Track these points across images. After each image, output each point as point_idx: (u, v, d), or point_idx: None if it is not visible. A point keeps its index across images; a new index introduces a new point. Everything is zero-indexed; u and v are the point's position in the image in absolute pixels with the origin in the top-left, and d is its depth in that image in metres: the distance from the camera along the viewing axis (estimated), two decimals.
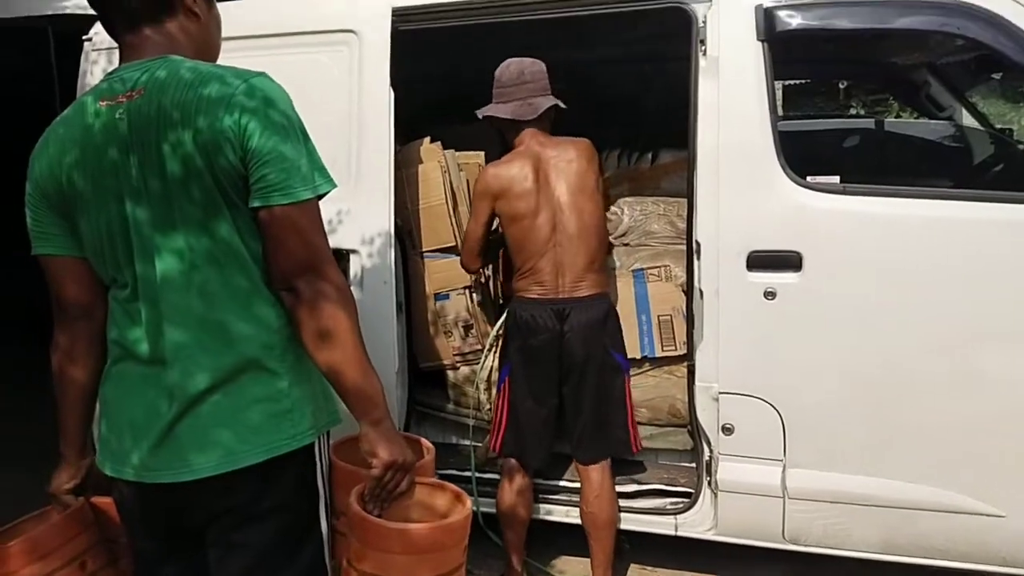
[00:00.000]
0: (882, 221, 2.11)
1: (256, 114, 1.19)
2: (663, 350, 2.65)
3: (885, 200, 2.12)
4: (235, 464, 1.25)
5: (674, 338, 2.64)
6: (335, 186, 1.29)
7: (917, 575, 2.26)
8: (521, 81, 2.41)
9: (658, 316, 2.67)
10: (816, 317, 2.15)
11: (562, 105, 2.43)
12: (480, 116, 2.48)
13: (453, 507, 1.41)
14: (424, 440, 1.63)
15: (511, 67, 2.44)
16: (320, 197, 1.26)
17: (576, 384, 2.38)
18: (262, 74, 1.25)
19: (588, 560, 2.50)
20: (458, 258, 2.79)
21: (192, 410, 1.25)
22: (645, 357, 2.66)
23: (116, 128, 1.23)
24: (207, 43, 1.38)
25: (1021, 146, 3.36)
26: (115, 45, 1.33)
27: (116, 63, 1.31)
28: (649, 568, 2.69)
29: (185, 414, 1.25)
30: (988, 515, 2.07)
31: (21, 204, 1.35)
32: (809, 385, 2.18)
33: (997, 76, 2.89)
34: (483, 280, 2.87)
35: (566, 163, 2.38)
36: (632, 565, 2.70)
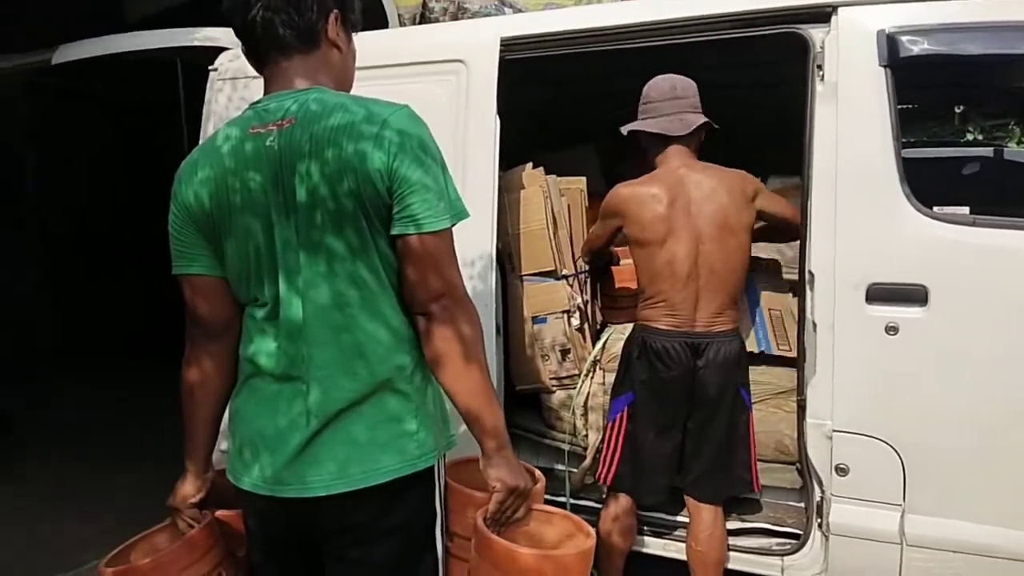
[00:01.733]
0: (1014, 255, 1.98)
1: (402, 146, 1.25)
2: (778, 348, 2.55)
3: (1018, 233, 1.99)
4: (365, 482, 1.29)
5: (787, 338, 2.54)
6: (469, 215, 1.33)
7: None
8: (673, 96, 2.34)
9: (769, 310, 2.57)
10: (943, 355, 2.03)
11: (715, 125, 2.35)
12: (625, 132, 2.42)
13: (568, 535, 1.41)
14: (535, 469, 1.62)
15: (662, 82, 2.37)
16: (455, 224, 1.30)
17: (704, 421, 2.31)
18: (406, 107, 1.31)
19: None
20: (557, 282, 2.81)
21: (328, 428, 1.29)
22: (762, 352, 2.57)
23: (267, 154, 1.30)
24: (346, 73, 1.45)
25: None
26: (238, 75, 1.40)
27: (240, 91, 1.39)
28: None
29: (321, 432, 1.29)
30: None
31: (154, 224, 1.43)
32: (933, 427, 2.05)
33: None
34: (582, 304, 2.86)
35: (711, 190, 2.29)
36: None
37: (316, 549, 1.38)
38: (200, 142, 2.90)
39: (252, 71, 1.42)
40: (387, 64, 2.63)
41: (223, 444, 1.50)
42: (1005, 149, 3.76)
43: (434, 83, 2.60)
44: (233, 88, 2.88)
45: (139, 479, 3.31)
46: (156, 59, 3.74)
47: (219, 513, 1.56)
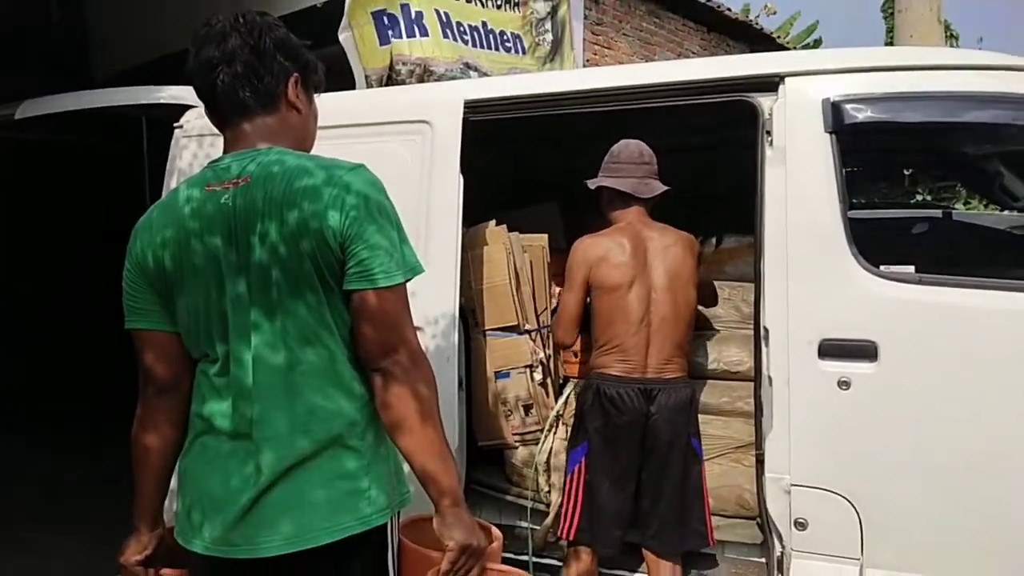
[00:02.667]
0: (960, 312, 2.06)
1: (357, 206, 1.27)
2: None
3: (962, 291, 2.08)
4: (315, 542, 1.27)
5: None
6: (423, 270, 1.35)
7: None
8: (641, 161, 2.51)
9: None
10: (894, 409, 2.08)
11: (670, 192, 2.50)
12: (592, 186, 2.55)
13: None
14: (492, 527, 1.61)
15: (631, 146, 2.54)
16: (409, 280, 1.32)
17: (658, 470, 2.34)
18: (361, 166, 1.34)
19: None
20: (519, 337, 2.83)
21: (277, 485, 1.28)
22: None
23: (221, 212, 1.32)
24: (306, 134, 1.48)
25: None
26: (203, 132, 1.43)
27: (205, 148, 1.42)
28: None
29: (270, 489, 1.28)
30: None
31: (109, 281, 1.43)
32: (888, 480, 2.09)
33: None
34: (544, 360, 2.88)
35: (664, 248, 2.44)
36: None
37: None
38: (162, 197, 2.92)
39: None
40: (354, 123, 2.68)
41: (175, 504, 1.47)
42: (951, 211, 3.95)
43: (400, 143, 2.66)
44: (199, 145, 2.90)
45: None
46: (123, 114, 3.76)
47: (166, 572, 1.52)
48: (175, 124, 2.98)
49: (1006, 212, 2.96)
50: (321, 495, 1.29)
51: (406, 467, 1.37)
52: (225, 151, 1.40)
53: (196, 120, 2.86)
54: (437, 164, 2.61)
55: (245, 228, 1.30)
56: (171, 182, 2.86)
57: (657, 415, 2.32)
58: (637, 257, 2.41)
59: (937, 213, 3.41)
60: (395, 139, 2.66)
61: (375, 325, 1.29)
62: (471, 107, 2.61)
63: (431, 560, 1.38)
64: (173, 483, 1.47)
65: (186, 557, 1.43)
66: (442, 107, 2.64)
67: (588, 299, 2.55)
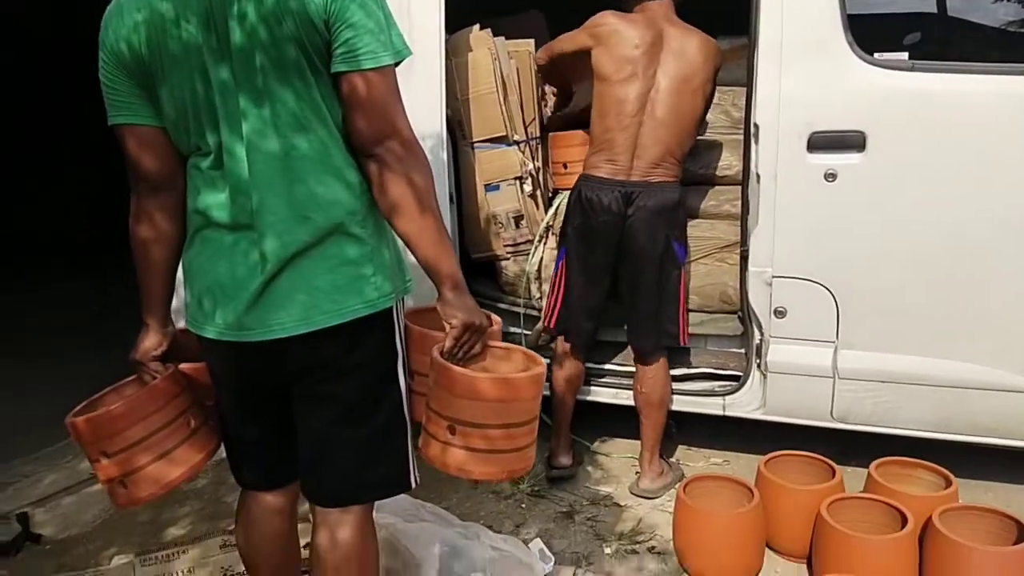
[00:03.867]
0: (951, 98, 2.05)
1: None
2: None
3: (955, 76, 2.06)
4: (324, 323, 1.31)
5: None
6: (411, 53, 1.31)
7: (957, 451, 2.30)
8: None
9: None
10: (877, 199, 2.13)
11: None
12: None
13: (526, 365, 1.48)
14: (491, 313, 1.67)
15: None
16: (398, 63, 1.28)
17: (633, 272, 2.40)
18: None
19: (633, 442, 2.61)
20: (508, 148, 2.81)
21: (283, 273, 1.30)
22: None
23: None
24: None
25: None
26: None
27: None
28: (695, 448, 2.79)
29: (276, 277, 1.31)
30: None
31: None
32: (866, 268, 2.18)
33: None
34: (535, 171, 2.88)
35: (682, 49, 2.33)
36: (679, 446, 2.80)
37: (284, 390, 1.43)
38: None
39: None
40: None
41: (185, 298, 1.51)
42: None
43: None
44: None
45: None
46: None
47: (183, 366, 1.58)
48: None
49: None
50: (327, 280, 1.32)
51: (408, 257, 1.40)
52: None
53: None
54: None
55: (222, 9, 1.23)
56: None
57: (634, 216, 2.33)
58: (649, 51, 2.31)
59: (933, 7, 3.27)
60: None
61: (364, 110, 1.26)
62: None
63: (435, 339, 1.44)
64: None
65: (198, 353, 1.50)
66: None
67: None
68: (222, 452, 1.60)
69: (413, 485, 1.48)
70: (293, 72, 1.24)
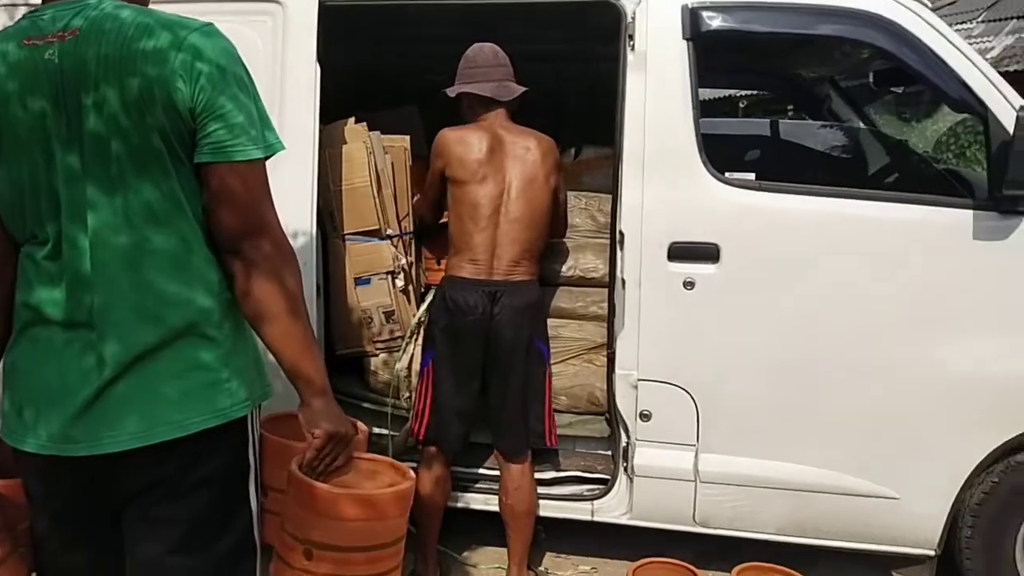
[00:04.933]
0: (794, 216, 2.22)
1: (207, 67, 1.14)
2: None
3: (796, 197, 2.23)
4: (166, 435, 1.17)
5: None
6: (284, 148, 1.25)
7: (824, 555, 2.37)
8: (497, 64, 2.46)
9: None
10: (731, 307, 2.24)
11: (527, 94, 2.48)
12: (452, 94, 2.49)
13: (392, 479, 1.39)
14: (358, 421, 1.58)
15: (485, 49, 2.48)
16: (268, 157, 1.21)
17: (501, 371, 2.37)
18: (210, 25, 1.19)
19: (503, 549, 2.51)
20: (381, 242, 2.76)
21: (123, 377, 1.17)
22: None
23: (45, 70, 1.14)
24: None
25: (915, 154, 3.63)
26: (18, 0, 1.22)
27: (17, 19, 1.21)
28: (564, 555, 2.72)
29: (115, 381, 1.16)
30: (884, 497, 2.21)
31: None
32: (723, 373, 2.26)
33: (898, 90, 3.10)
34: (407, 266, 2.83)
35: (523, 150, 2.42)
36: (548, 553, 2.72)
37: (114, 512, 1.25)
38: None
39: None
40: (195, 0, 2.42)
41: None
42: (791, 121, 4.17)
43: (246, 24, 2.43)
44: (10, 17, 2.53)
45: None
46: None
47: None
48: None
49: (845, 126, 3.20)
50: (174, 387, 1.18)
51: (268, 358, 1.30)
52: (45, 1, 1.21)
53: None
54: (291, 51, 2.44)
55: (75, 91, 1.13)
56: None
57: (500, 315, 2.34)
58: (493, 155, 2.40)
59: (787, 126, 3.62)
60: (244, 20, 2.43)
61: (232, 205, 1.17)
62: None
63: (295, 452, 1.33)
64: None
65: (14, 464, 1.30)
66: None
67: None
68: None
69: None
70: (152, 161, 1.15)
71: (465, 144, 2.41)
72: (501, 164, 2.40)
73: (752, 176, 2.26)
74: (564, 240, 2.88)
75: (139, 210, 1.16)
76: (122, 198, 1.15)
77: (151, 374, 1.18)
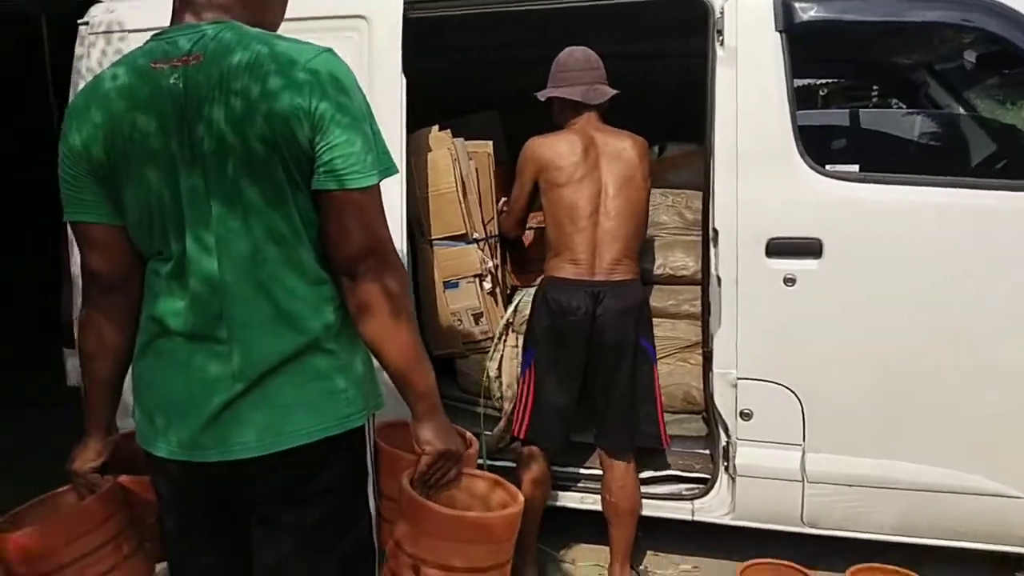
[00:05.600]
0: (900, 208, 2.14)
1: (327, 94, 1.16)
2: None
3: (903, 188, 2.16)
4: (292, 443, 1.22)
5: None
6: (398, 170, 1.28)
7: (929, 556, 2.30)
8: (588, 67, 2.45)
9: None
10: (836, 303, 2.18)
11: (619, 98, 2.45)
12: (542, 98, 2.49)
13: (502, 498, 1.40)
14: (468, 433, 1.61)
15: (576, 53, 2.47)
16: (382, 180, 1.24)
17: (606, 372, 2.36)
18: (330, 51, 1.22)
19: (600, 547, 2.52)
20: (468, 246, 2.79)
21: (253, 390, 1.22)
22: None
23: (170, 93, 1.18)
24: (266, 7, 1.33)
25: None
26: (112, 28, 1.27)
27: (115, 45, 1.26)
28: (664, 554, 2.71)
29: (245, 394, 1.22)
30: (1006, 496, 2.12)
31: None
32: (829, 371, 2.21)
33: (1003, 73, 2.95)
34: (494, 269, 2.86)
35: (618, 151, 2.40)
36: (647, 552, 2.71)
37: (239, 516, 1.31)
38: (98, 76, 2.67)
39: (129, 23, 1.29)
40: (286, 18, 2.49)
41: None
42: (895, 111, 4.00)
43: (334, 40, 2.47)
44: (107, 42, 2.64)
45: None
46: (17, 14, 3.39)
47: (125, 478, 1.45)
48: (80, 20, 2.71)
49: (948, 113, 3.06)
50: (298, 397, 1.23)
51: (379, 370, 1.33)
52: (172, 23, 1.25)
53: (105, 15, 2.60)
54: (377, 63, 2.48)
55: (197, 114, 1.18)
56: (80, 84, 2.62)
57: (603, 316, 2.33)
58: (588, 157, 2.39)
59: (887, 114, 3.49)
60: (331, 36, 2.48)
61: (348, 230, 1.20)
62: (410, 1, 2.46)
63: (406, 462, 1.35)
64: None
65: (143, 463, 1.37)
66: (379, 1, 2.48)
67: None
68: None
69: None
70: (269, 183, 1.19)
71: (558, 149, 2.41)
72: (596, 164, 2.39)
73: (855, 168, 2.19)
74: (653, 238, 2.85)
75: (258, 229, 1.20)
76: (242, 217, 1.19)
77: (277, 385, 1.23)
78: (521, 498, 1.38)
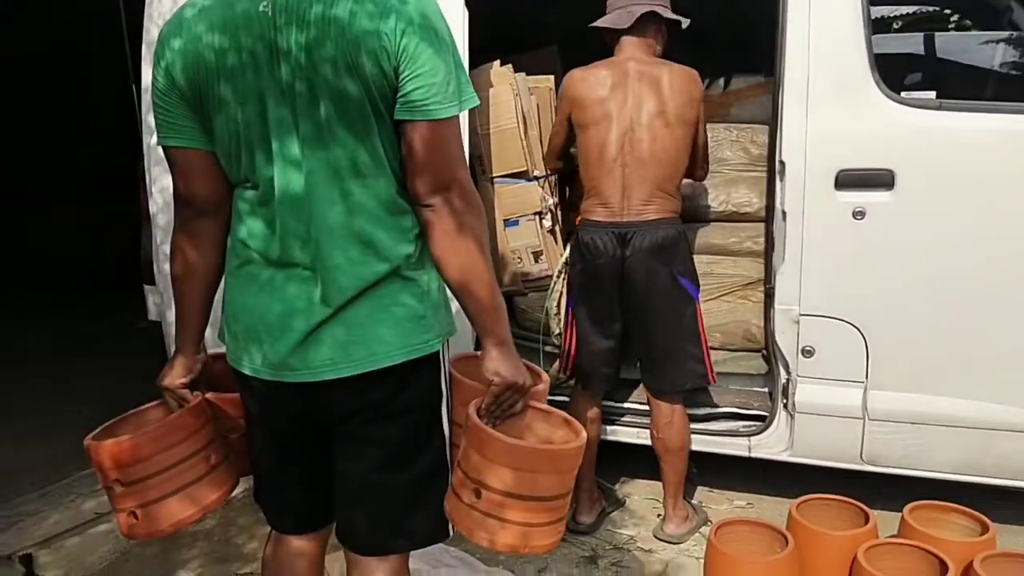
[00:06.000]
0: (979, 138, 2.05)
1: (412, 24, 1.16)
2: None
3: (983, 116, 2.06)
4: (375, 364, 1.27)
5: None
6: (478, 102, 1.28)
7: (988, 496, 2.26)
8: None
9: None
10: (907, 237, 2.11)
11: (672, 16, 2.32)
12: (589, 29, 2.41)
13: (565, 434, 1.41)
14: (540, 370, 1.58)
15: None
16: (462, 111, 1.24)
17: (640, 312, 2.35)
18: None
19: (653, 483, 2.56)
20: (528, 184, 2.80)
21: (338, 315, 1.26)
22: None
23: (259, 21, 1.20)
24: None
25: None
26: None
27: None
28: (718, 491, 2.73)
29: (331, 319, 1.26)
30: None
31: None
32: (896, 307, 2.15)
33: None
34: (553, 206, 2.86)
35: (654, 82, 2.29)
36: (701, 488, 2.74)
37: (324, 432, 1.38)
38: (143, 48, 2.75)
39: None
40: None
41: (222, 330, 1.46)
42: (979, 35, 3.75)
43: None
44: None
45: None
46: None
47: (212, 395, 1.53)
48: None
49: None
50: (380, 320, 1.27)
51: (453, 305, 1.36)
52: None
53: None
54: None
55: (286, 43, 1.19)
56: (152, 29, 2.70)
57: (632, 258, 2.29)
58: (617, 92, 2.30)
59: (966, 38, 3.27)
60: None
61: (427, 160, 1.22)
62: None
63: (475, 392, 1.38)
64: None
65: (231, 382, 1.45)
66: None
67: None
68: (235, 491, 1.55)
69: (451, 534, 1.43)
70: (355, 113, 1.20)
71: (588, 84, 2.34)
72: (624, 101, 2.30)
73: (932, 95, 2.09)
74: (715, 174, 2.80)
75: (345, 160, 1.22)
76: (327, 147, 1.22)
77: (361, 311, 1.27)
78: (584, 434, 1.39)
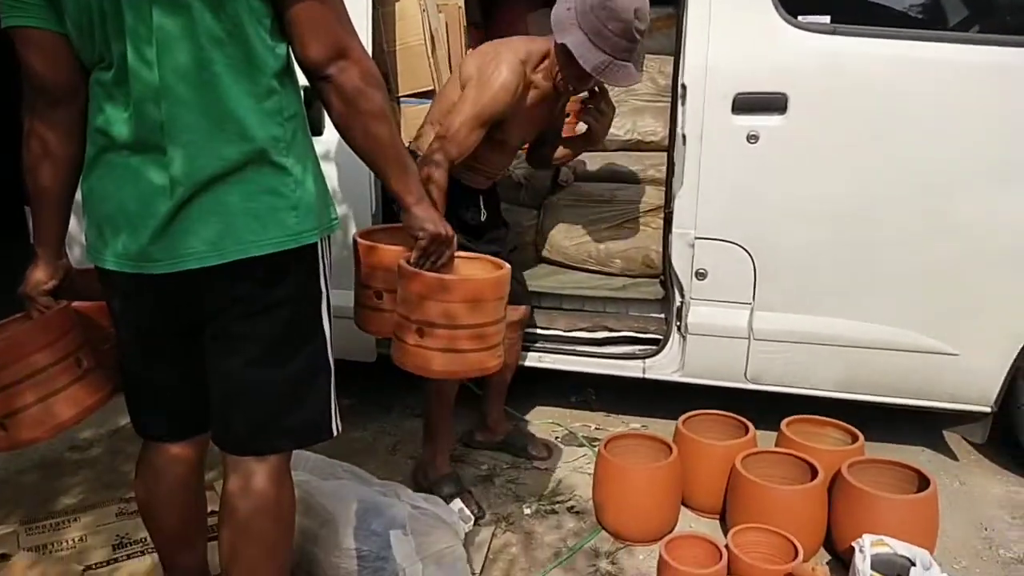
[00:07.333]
0: (869, 61, 2.10)
1: None
2: None
3: (876, 41, 2.11)
4: (243, 254, 1.22)
5: None
6: None
7: (863, 414, 2.39)
8: (638, 40, 2.01)
9: None
10: (795, 161, 2.17)
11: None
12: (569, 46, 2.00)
13: (492, 268, 1.56)
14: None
15: (638, 24, 1.96)
16: None
17: None
18: None
19: (555, 409, 2.59)
20: None
21: (196, 199, 1.20)
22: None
23: None
24: None
25: None
26: None
27: None
28: (614, 415, 2.80)
29: (188, 203, 1.20)
30: (943, 353, 2.19)
31: None
32: (784, 229, 2.22)
33: None
34: None
35: None
36: (598, 412, 2.81)
37: (194, 328, 1.32)
38: None
39: None
40: None
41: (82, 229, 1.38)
42: None
43: None
44: None
45: None
46: None
47: (78, 304, 1.45)
48: None
49: None
50: (247, 208, 1.22)
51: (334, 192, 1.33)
52: None
53: None
54: None
55: None
56: None
57: None
58: None
59: None
60: None
61: (314, 31, 1.18)
62: None
63: (387, 254, 1.48)
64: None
65: (96, 290, 1.38)
66: None
67: None
68: (117, 419, 1.48)
69: (335, 432, 1.41)
70: None
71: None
72: None
73: (827, 19, 2.13)
74: (622, 103, 2.80)
75: (205, 33, 1.15)
76: (186, 20, 1.14)
77: (224, 196, 1.21)
78: (507, 266, 1.53)
